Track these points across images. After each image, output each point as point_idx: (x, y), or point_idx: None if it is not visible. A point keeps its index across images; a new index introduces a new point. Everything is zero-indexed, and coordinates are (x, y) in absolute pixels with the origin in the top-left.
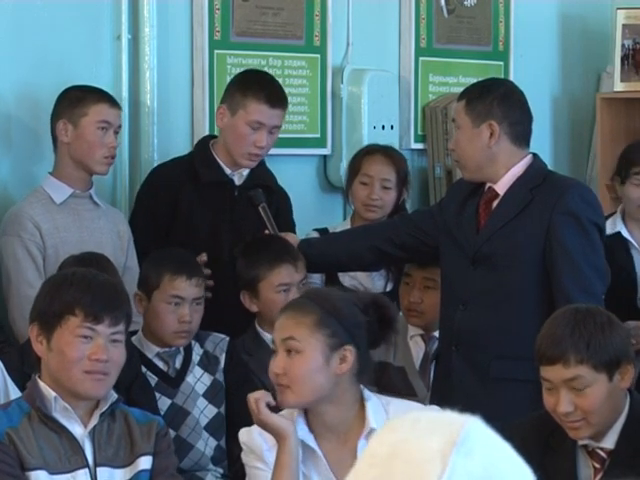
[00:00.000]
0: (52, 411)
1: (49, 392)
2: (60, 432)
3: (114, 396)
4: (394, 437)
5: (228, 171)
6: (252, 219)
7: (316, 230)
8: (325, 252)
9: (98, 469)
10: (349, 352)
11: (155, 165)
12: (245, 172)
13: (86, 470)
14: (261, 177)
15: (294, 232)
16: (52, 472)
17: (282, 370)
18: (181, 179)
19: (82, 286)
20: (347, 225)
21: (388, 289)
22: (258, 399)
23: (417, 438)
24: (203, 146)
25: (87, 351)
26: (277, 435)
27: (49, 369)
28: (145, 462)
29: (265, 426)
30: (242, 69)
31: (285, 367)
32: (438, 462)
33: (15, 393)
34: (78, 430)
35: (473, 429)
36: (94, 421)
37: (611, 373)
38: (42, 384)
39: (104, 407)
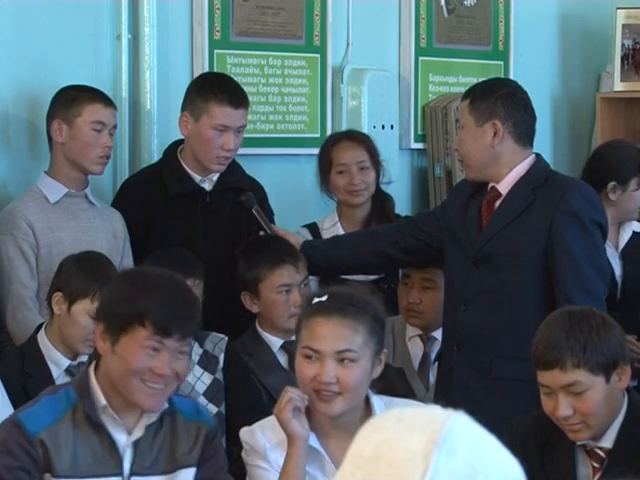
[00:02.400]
0: (99, 415)
1: (99, 398)
2: (102, 435)
3: (165, 406)
4: (378, 437)
5: (198, 178)
6: (226, 222)
7: (305, 226)
8: (329, 255)
9: (133, 478)
10: (384, 355)
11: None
12: (215, 177)
13: (119, 478)
14: (230, 178)
15: (273, 222)
16: (82, 476)
17: (334, 379)
18: (151, 192)
19: (156, 295)
20: (335, 217)
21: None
22: (290, 400)
23: (400, 438)
24: (170, 155)
25: (151, 363)
26: (289, 438)
27: (108, 370)
28: (186, 475)
29: (282, 425)
30: (242, 69)
31: (337, 375)
32: (420, 462)
33: (3, 398)
34: (122, 439)
35: (455, 426)
36: (139, 432)
37: (608, 375)
38: (95, 385)
39: (153, 418)
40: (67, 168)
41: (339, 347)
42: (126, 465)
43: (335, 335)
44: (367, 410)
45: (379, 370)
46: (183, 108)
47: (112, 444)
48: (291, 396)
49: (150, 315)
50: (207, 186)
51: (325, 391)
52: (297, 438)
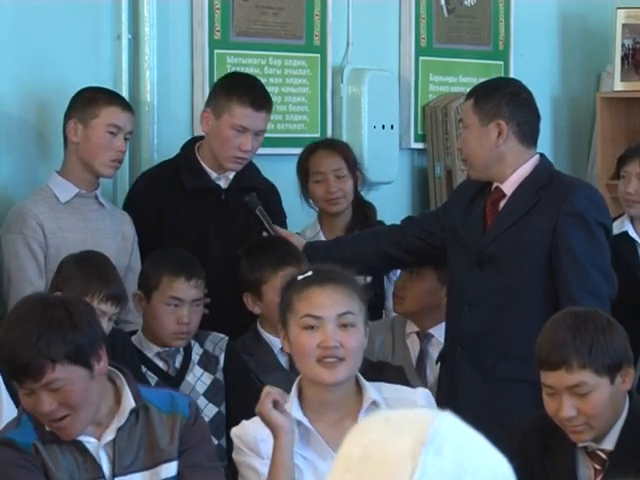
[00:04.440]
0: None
1: None
2: (77, 443)
3: (131, 405)
4: (366, 439)
5: (214, 175)
6: (240, 221)
7: None
8: (331, 256)
9: (116, 479)
10: (368, 325)
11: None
12: (231, 175)
13: None
14: (246, 178)
15: (285, 224)
16: None
17: (338, 343)
18: (166, 186)
19: (2, 342)
20: (317, 227)
21: (368, 280)
22: (269, 393)
23: (388, 439)
24: (188, 151)
25: (32, 405)
26: (273, 431)
27: None
28: (168, 470)
29: (264, 419)
30: (242, 69)
31: (340, 340)
32: (408, 462)
33: (8, 401)
34: (91, 443)
35: (442, 426)
36: (110, 435)
37: (613, 376)
38: None
39: (122, 420)
40: (79, 168)
41: (340, 310)
42: (105, 468)
43: (334, 300)
44: (358, 391)
45: (366, 341)
46: (207, 104)
47: (84, 450)
48: (270, 391)
49: (8, 366)
50: (223, 184)
51: (330, 357)
52: (279, 428)
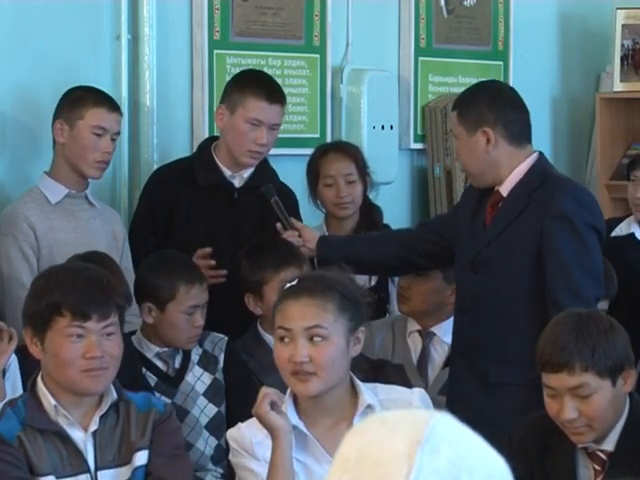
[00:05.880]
0: (53, 417)
1: (49, 400)
2: (62, 436)
3: (113, 396)
4: (363, 440)
5: (228, 173)
6: (250, 221)
7: None
8: (345, 253)
9: (99, 472)
10: (362, 333)
11: (156, 166)
12: (246, 174)
13: (87, 475)
14: (262, 179)
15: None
16: (58, 476)
17: (307, 358)
18: (180, 181)
19: (66, 284)
20: (323, 228)
21: (372, 283)
22: (266, 394)
23: (384, 440)
24: (204, 148)
25: (80, 350)
26: (271, 432)
27: (47, 370)
28: (140, 458)
29: (261, 420)
30: (242, 69)
31: (310, 354)
32: (404, 462)
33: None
34: (78, 435)
35: (438, 426)
36: (94, 425)
37: (614, 378)
38: (44, 389)
39: (104, 409)
40: (67, 169)
41: (308, 324)
42: (90, 460)
43: (304, 313)
44: (354, 394)
45: (358, 349)
46: (221, 101)
47: (72, 443)
48: (267, 392)
49: (65, 302)
50: (237, 182)
51: (300, 372)
52: (278, 429)
